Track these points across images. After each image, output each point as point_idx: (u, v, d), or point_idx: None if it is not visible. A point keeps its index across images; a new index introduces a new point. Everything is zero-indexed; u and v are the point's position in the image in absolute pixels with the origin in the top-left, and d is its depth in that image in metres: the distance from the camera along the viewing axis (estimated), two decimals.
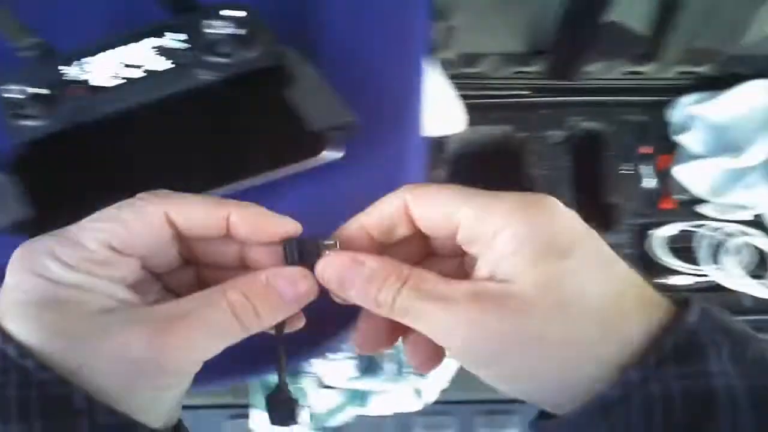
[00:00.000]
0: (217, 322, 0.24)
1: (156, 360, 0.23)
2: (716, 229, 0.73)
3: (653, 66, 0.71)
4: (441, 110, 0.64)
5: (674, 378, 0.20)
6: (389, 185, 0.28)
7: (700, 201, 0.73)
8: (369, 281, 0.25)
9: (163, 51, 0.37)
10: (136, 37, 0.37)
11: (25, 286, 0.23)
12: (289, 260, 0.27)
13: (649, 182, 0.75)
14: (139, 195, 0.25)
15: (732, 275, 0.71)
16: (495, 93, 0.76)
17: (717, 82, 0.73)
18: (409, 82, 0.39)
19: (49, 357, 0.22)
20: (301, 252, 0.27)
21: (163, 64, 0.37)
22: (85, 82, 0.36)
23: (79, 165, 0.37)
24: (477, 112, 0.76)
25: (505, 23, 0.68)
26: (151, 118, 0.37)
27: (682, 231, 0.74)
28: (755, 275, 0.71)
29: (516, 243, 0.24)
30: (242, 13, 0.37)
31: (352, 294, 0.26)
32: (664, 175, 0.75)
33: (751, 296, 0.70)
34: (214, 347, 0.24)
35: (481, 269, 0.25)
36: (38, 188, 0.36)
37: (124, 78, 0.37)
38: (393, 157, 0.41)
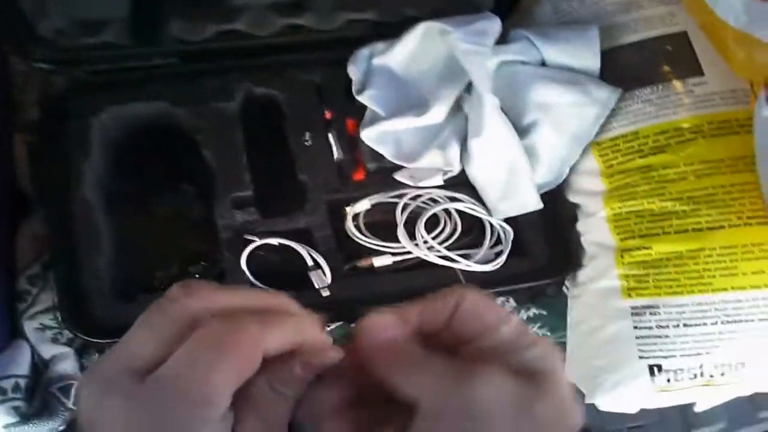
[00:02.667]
0: None
1: None
2: (416, 198, 0.63)
3: (310, 16, 0.60)
4: None
5: None
6: None
7: (396, 168, 0.63)
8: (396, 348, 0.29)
9: None
10: None
11: None
12: None
13: (339, 152, 0.64)
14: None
15: (434, 250, 0.61)
16: (135, 65, 0.61)
17: (391, 29, 0.62)
18: None
19: None
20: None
21: None
22: None
23: None
24: (119, 89, 0.62)
25: None
26: None
27: (378, 204, 0.63)
28: (460, 246, 0.63)
29: None
30: None
31: (377, 347, 0.29)
32: (353, 143, 0.64)
33: (461, 270, 0.61)
34: None
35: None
36: None
37: None
38: None
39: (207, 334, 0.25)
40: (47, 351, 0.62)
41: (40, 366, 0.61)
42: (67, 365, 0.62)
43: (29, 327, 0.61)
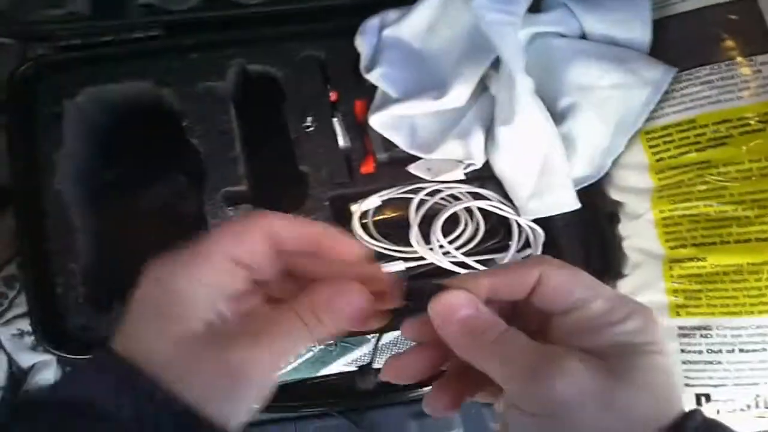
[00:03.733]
0: (290, 331, 0.28)
1: (247, 373, 0.26)
2: (433, 194, 0.55)
3: None
4: None
5: None
6: None
7: (411, 159, 0.55)
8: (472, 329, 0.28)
9: None
10: None
11: (147, 295, 0.27)
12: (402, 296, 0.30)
13: (345, 140, 0.56)
14: (246, 213, 0.32)
15: (451, 255, 0.54)
16: (109, 38, 0.54)
17: None
18: None
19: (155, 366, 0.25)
20: (411, 290, 0.30)
21: None
22: None
23: None
24: (95, 67, 0.54)
25: None
26: None
27: (389, 201, 0.56)
28: (483, 250, 0.55)
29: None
30: None
31: (453, 330, 0.28)
32: (361, 129, 0.56)
33: None
34: (291, 353, 0.28)
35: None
36: None
37: None
38: None
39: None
40: (26, 359, 0.56)
41: (18, 376, 0.56)
42: (49, 374, 0.56)
43: (5, 333, 0.56)
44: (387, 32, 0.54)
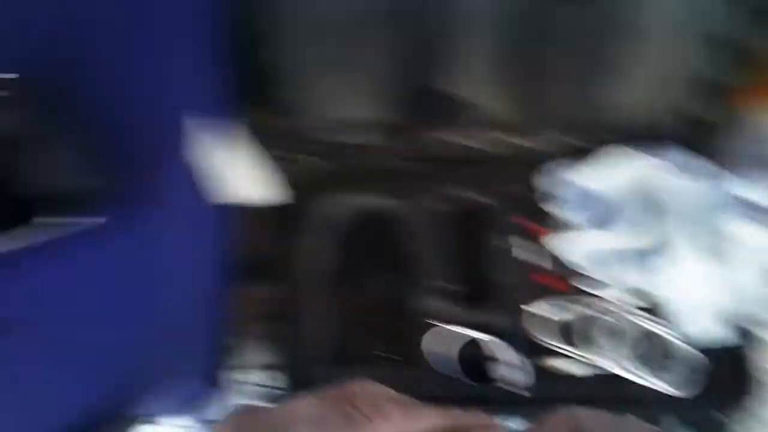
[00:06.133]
0: None
1: None
2: (601, 307, 0.68)
3: (524, 136, 0.69)
4: (245, 176, 0.60)
5: None
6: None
7: (577, 274, 0.69)
8: None
9: None
10: None
11: None
12: None
13: (524, 254, 0.70)
14: None
15: (616, 361, 0.66)
16: (365, 162, 0.72)
17: (587, 152, 0.70)
18: (167, 143, 0.35)
19: None
20: None
21: None
22: None
23: None
24: (347, 181, 0.72)
25: (352, 91, 0.65)
26: None
27: (563, 308, 0.69)
28: (644, 362, 0.67)
29: None
30: (12, 76, 0.34)
31: None
32: (539, 247, 0.71)
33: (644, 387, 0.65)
34: None
35: None
36: None
37: None
38: (165, 222, 0.36)
39: None
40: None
41: None
42: None
43: (231, 379, 0.70)
44: (571, 177, 0.70)
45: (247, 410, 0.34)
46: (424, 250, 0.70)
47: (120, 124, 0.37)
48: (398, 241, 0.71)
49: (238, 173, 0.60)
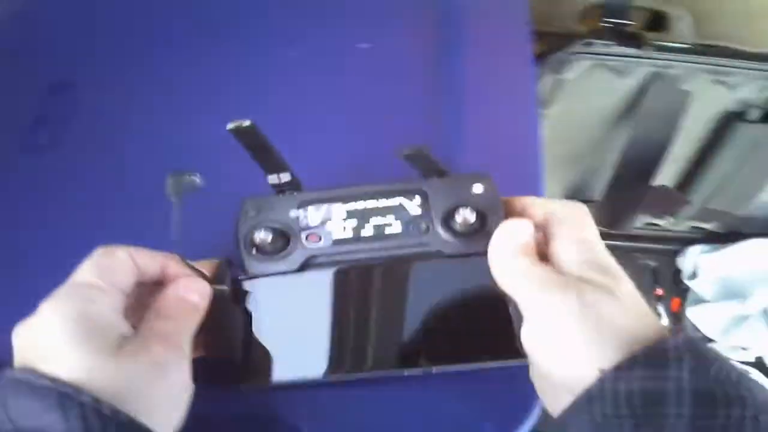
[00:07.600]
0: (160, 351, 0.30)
1: (160, 379, 0.28)
2: None
3: (670, 219, 0.82)
4: None
5: (638, 379, 0.25)
6: None
7: (709, 341, 0.82)
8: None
9: (398, 213, 0.35)
10: (377, 194, 0.35)
11: (70, 316, 0.28)
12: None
13: (665, 323, 0.84)
14: (110, 246, 0.32)
15: None
16: None
17: (721, 237, 0.84)
18: None
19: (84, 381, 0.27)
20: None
21: (395, 227, 0.35)
22: (321, 228, 0.35)
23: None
24: None
25: (556, 180, 0.79)
26: (363, 276, 0.35)
27: None
28: None
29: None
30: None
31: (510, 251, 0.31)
32: (675, 316, 0.84)
33: None
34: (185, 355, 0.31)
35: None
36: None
37: (355, 232, 0.35)
38: None
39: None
40: None
41: None
42: None
43: None
44: (706, 257, 0.84)
45: None
46: None
47: None
48: None
49: None
